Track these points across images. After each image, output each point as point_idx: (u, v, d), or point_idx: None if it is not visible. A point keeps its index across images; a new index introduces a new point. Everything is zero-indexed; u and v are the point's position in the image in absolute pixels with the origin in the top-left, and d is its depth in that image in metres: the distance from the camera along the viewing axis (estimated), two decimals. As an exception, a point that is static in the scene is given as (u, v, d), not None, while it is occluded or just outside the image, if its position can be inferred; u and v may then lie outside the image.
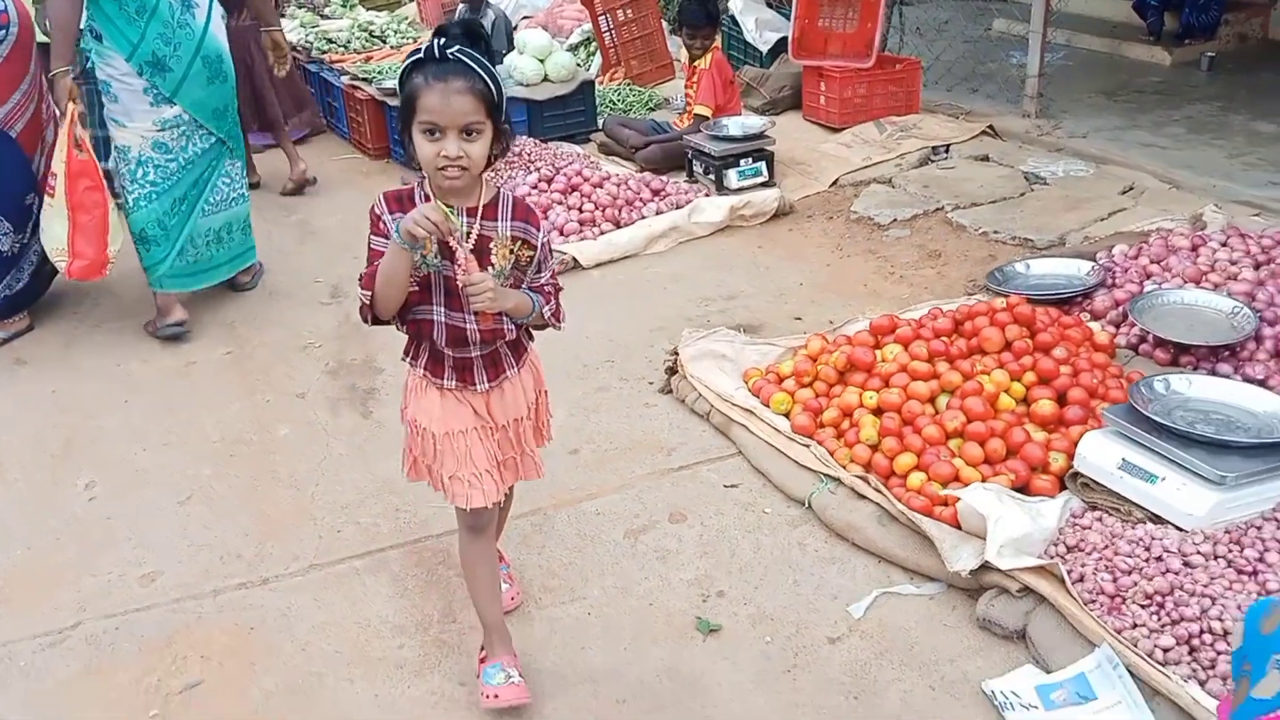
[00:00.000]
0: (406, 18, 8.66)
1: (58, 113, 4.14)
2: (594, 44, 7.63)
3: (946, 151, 5.51)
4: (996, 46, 7.70)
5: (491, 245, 2.09)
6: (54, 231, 4.06)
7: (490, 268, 2.07)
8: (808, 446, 3.11)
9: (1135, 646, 2.25)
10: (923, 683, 2.37)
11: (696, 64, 5.67)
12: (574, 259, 4.63)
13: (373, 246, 2.09)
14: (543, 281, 2.20)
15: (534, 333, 2.30)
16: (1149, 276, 3.77)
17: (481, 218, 2.07)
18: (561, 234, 4.78)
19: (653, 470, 3.19)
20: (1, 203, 4.19)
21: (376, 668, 2.51)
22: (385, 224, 2.05)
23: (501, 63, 6.62)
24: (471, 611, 2.53)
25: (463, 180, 2.00)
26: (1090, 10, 7.89)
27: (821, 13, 6.30)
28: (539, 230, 2.15)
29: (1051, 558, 2.52)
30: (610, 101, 6.86)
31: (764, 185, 5.24)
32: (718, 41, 5.80)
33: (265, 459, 3.39)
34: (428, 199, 2.05)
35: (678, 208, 5.01)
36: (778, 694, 2.36)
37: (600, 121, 6.37)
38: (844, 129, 5.92)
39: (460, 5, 7.58)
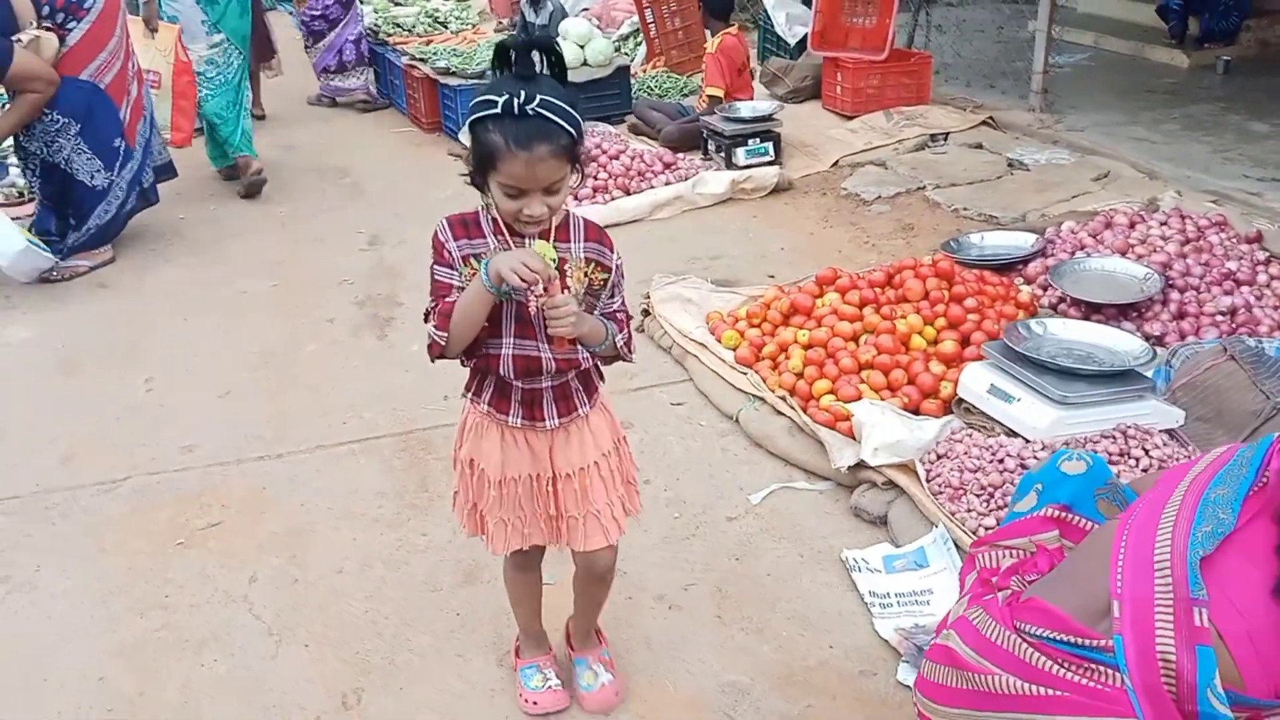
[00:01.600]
0: (473, 6, 9.32)
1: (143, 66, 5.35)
2: (640, 34, 8.19)
3: (946, 139, 5.92)
4: (1027, 47, 8.03)
5: (566, 268, 1.97)
6: (163, 112, 5.57)
7: (566, 291, 1.93)
8: (744, 374, 3.61)
9: (964, 526, 2.71)
10: (794, 551, 2.86)
11: (706, 47, 6.19)
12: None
13: (437, 277, 1.97)
14: (615, 308, 2.07)
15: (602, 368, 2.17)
16: (1082, 248, 4.17)
17: (555, 240, 1.95)
18: (575, 199, 5.33)
19: (612, 390, 3.70)
20: (95, 144, 4.90)
21: (359, 521, 3.08)
22: (450, 253, 1.95)
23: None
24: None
25: (541, 228, 1.93)
26: (1117, 14, 8.18)
27: (844, 9, 6.75)
28: (613, 252, 2.03)
29: (920, 462, 2.98)
30: (648, 87, 7.41)
31: (770, 163, 5.74)
32: (732, 29, 6.28)
33: (292, 368, 4.01)
34: (495, 224, 1.95)
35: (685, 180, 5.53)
36: (675, 554, 2.87)
37: (633, 104, 6.92)
38: (855, 117, 6.37)
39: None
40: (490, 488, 2.11)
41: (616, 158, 5.58)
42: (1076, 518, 2.02)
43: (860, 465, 3.02)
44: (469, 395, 2.13)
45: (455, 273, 1.95)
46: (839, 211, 5.20)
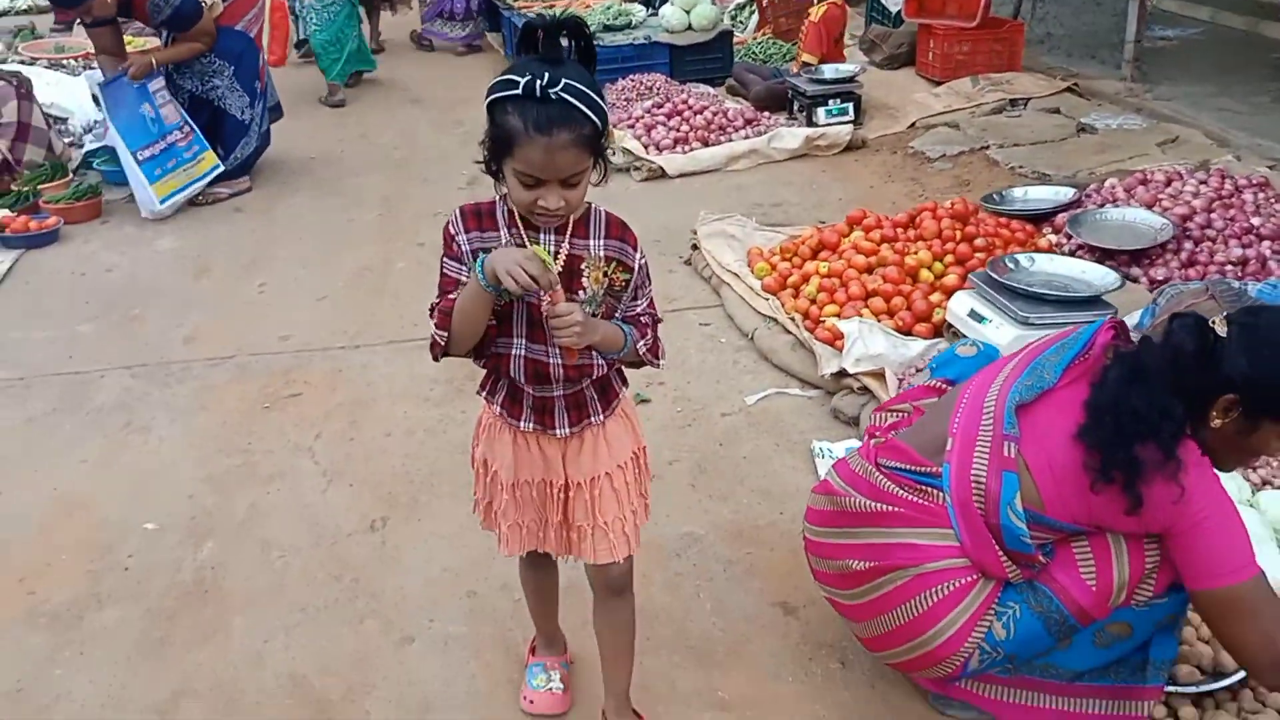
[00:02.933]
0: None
1: None
2: (754, 3, 8.53)
3: (1025, 104, 6.08)
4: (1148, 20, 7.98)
5: (583, 266, 1.85)
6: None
7: (581, 292, 1.84)
8: (767, 299, 3.99)
9: (917, 423, 3.04)
10: (770, 441, 3.25)
11: (809, 15, 6.49)
12: (661, 168, 5.61)
13: (445, 271, 1.87)
14: (639, 311, 1.94)
15: (625, 372, 2.06)
16: (1114, 201, 4.35)
17: (571, 235, 1.84)
18: (658, 149, 5.76)
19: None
20: (245, 84, 5.62)
21: (412, 399, 3.62)
22: (460, 246, 1.85)
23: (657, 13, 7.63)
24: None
25: (558, 222, 1.82)
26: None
27: (942, -25, 6.93)
28: (636, 250, 1.89)
29: (894, 373, 3.32)
30: (753, 53, 7.74)
31: (849, 123, 6.02)
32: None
33: (381, 280, 4.60)
34: (510, 216, 1.84)
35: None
36: (669, 438, 3.30)
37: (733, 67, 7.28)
38: (944, 82, 6.57)
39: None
40: (503, 490, 2.04)
41: (700, 112, 5.98)
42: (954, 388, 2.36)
43: (842, 374, 3.38)
44: (483, 394, 2.05)
45: (463, 267, 1.85)
46: (903, 168, 5.47)
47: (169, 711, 2.37)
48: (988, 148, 5.42)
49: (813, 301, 3.83)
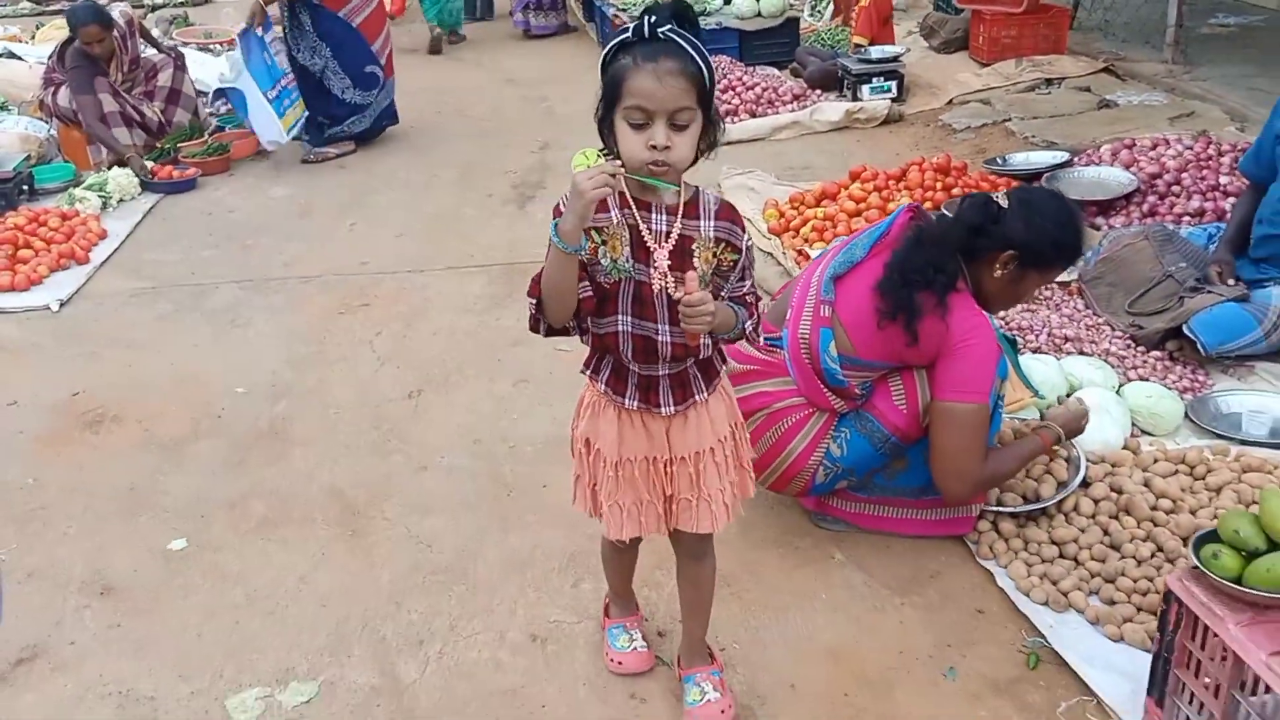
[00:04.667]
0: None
1: None
2: (830, -4, 9.05)
3: (1060, 84, 6.47)
4: (1209, 9, 8.19)
5: (694, 247, 1.91)
6: None
7: (692, 270, 1.87)
8: (769, 239, 4.58)
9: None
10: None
11: (860, 1, 7.02)
12: (710, 136, 6.22)
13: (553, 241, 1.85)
14: (744, 291, 2.00)
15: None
16: (1098, 162, 4.78)
17: (683, 217, 1.90)
18: (709, 119, 6.37)
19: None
20: (348, 67, 6.43)
21: (458, 310, 4.35)
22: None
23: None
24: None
25: (669, 177, 1.84)
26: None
27: (996, -34, 7.33)
28: (744, 232, 1.97)
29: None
30: (821, 38, 8.27)
31: (892, 100, 6.53)
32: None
33: (451, 222, 5.37)
34: (623, 197, 1.89)
35: (807, 109, 6.45)
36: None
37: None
38: (990, 64, 6.99)
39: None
40: (607, 468, 2.07)
41: (751, 88, 6.58)
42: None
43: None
44: (587, 372, 2.09)
45: (550, 247, 1.85)
46: (929, 139, 5.96)
47: (238, 504, 3.15)
48: (1009, 120, 5.87)
49: (806, 240, 4.41)
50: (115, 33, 6.27)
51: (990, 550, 2.67)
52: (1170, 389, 3.19)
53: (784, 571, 2.71)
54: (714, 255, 1.93)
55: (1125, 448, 2.92)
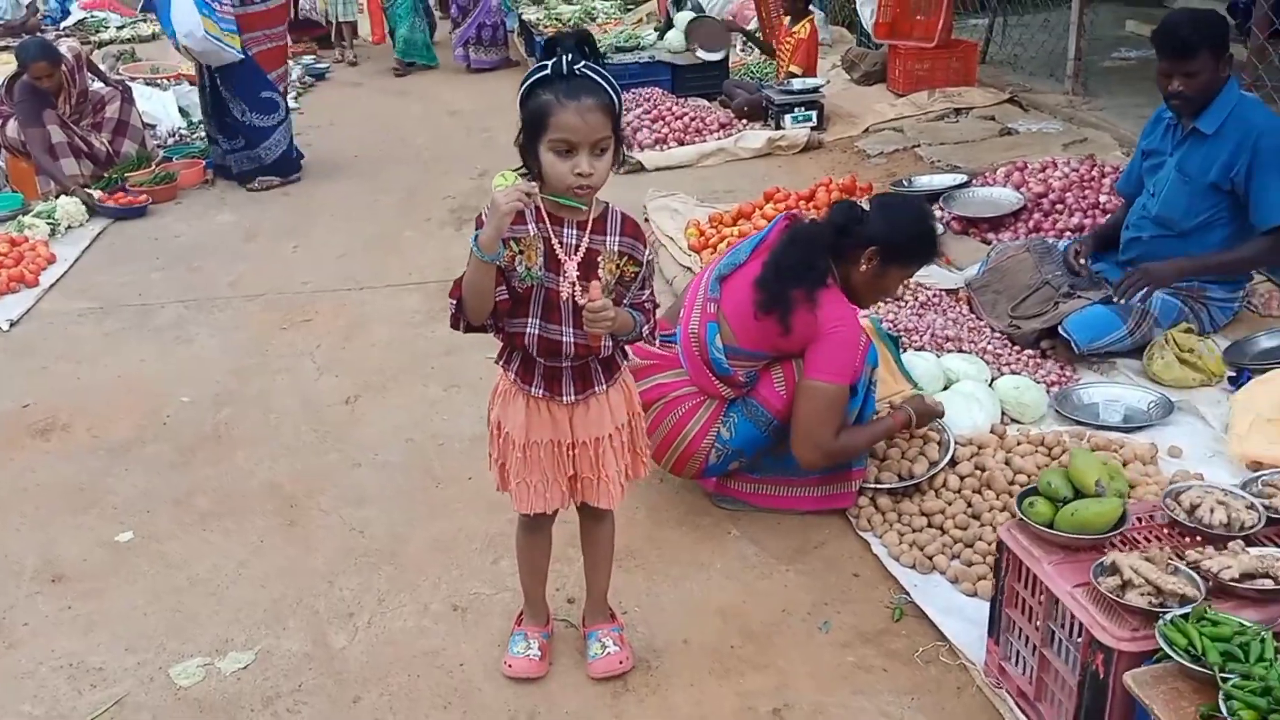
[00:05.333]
0: (642, 10, 10.88)
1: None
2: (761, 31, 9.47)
3: (967, 113, 6.89)
4: (1113, 44, 8.71)
5: (599, 259, 2.12)
6: (364, 25, 8.53)
7: (596, 281, 2.09)
8: (689, 255, 4.89)
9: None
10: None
11: (795, 32, 7.42)
12: (640, 162, 6.56)
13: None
14: (644, 298, 2.23)
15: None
16: (991, 183, 5.16)
17: (591, 232, 2.12)
18: (640, 147, 6.71)
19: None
20: (243, 95, 6.50)
21: (396, 324, 4.61)
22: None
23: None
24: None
25: (591, 195, 2.07)
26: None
27: (910, 5, 7.78)
28: (646, 248, 2.20)
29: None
30: (751, 71, 8.67)
31: (812, 128, 6.90)
32: (813, 15, 7.49)
33: (392, 244, 5.63)
34: (538, 213, 2.10)
35: (732, 138, 6.81)
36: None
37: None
38: (905, 95, 7.40)
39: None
40: (515, 450, 2.28)
41: (680, 117, 6.92)
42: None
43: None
44: (500, 363, 2.31)
45: (470, 256, 2.07)
46: (845, 163, 6.33)
47: (183, 500, 3.37)
48: (918, 146, 6.26)
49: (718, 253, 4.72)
50: (63, 67, 6.47)
51: (868, 522, 2.97)
52: (1039, 382, 3.53)
53: (684, 546, 2.98)
54: (617, 267, 2.16)
55: (992, 432, 3.24)
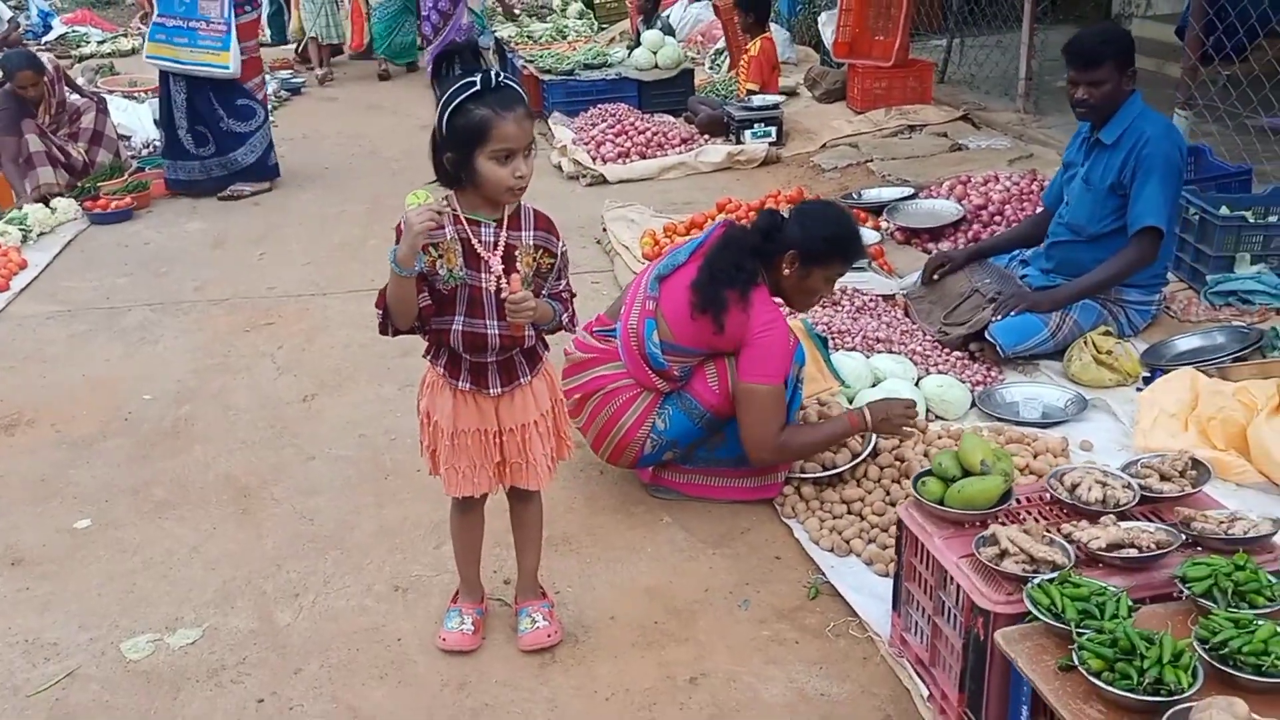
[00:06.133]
0: (617, 27, 11.11)
1: None
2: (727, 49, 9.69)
3: (920, 130, 7.10)
4: (1052, 66, 8.95)
5: (517, 254, 2.27)
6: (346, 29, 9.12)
7: (515, 274, 2.24)
8: (643, 262, 5.05)
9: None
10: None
11: (748, 50, 7.62)
12: (603, 175, 6.73)
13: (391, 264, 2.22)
14: (560, 288, 2.39)
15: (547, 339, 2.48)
16: (934, 196, 5.36)
17: (508, 228, 2.27)
18: (604, 160, 6.89)
19: (556, 272, 5.27)
20: (222, 102, 6.67)
21: (356, 327, 4.74)
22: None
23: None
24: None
25: (519, 197, 2.26)
26: (1152, 34, 8.96)
27: (869, 26, 8.02)
28: (559, 240, 2.34)
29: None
30: (716, 89, 8.87)
31: (771, 143, 7.10)
32: (769, 33, 7.71)
33: (356, 251, 5.79)
34: (455, 217, 2.25)
35: (693, 152, 7.00)
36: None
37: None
38: (863, 112, 7.62)
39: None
40: (444, 438, 2.42)
41: (643, 132, 7.11)
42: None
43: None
44: (428, 358, 2.45)
45: (390, 270, 2.22)
46: (800, 178, 6.53)
47: (140, 491, 3.50)
48: (870, 161, 6.46)
49: (672, 263, 4.89)
50: (45, 78, 6.62)
51: (792, 509, 3.13)
52: (964, 382, 3.71)
53: (618, 532, 3.14)
54: (534, 260, 2.32)
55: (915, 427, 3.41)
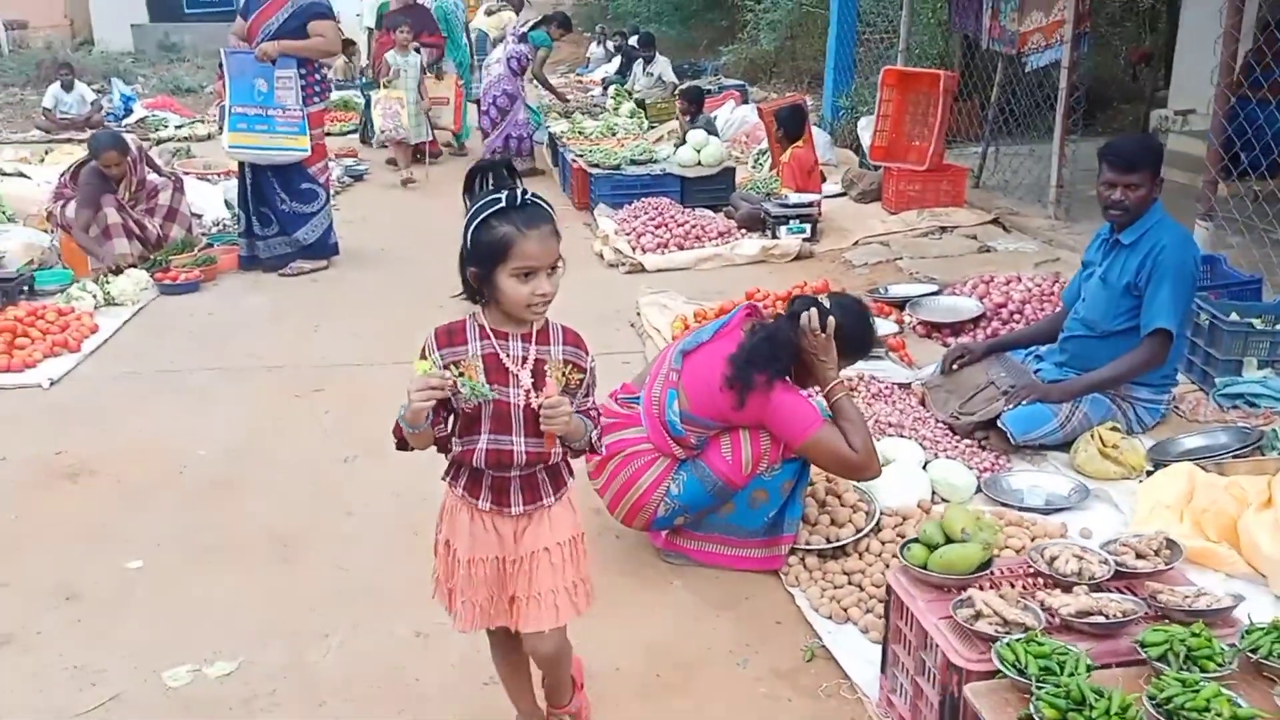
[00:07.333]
0: (655, 126, 11.59)
1: None
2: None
3: (951, 231, 7.35)
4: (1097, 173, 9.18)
5: (546, 368, 2.21)
6: (447, 117, 10.89)
7: (551, 381, 2.19)
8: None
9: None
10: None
11: (782, 159, 7.98)
12: (642, 264, 7.04)
13: None
14: (588, 405, 2.31)
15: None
16: (957, 293, 5.57)
17: (536, 343, 2.22)
18: (643, 250, 7.21)
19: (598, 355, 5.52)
20: (284, 185, 7.13)
21: (401, 396, 5.01)
22: (435, 363, 2.23)
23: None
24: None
25: (543, 314, 2.20)
26: (1189, 149, 9.19)
27: (906, 131, 8.36)
28: (588, 355, 2.29)
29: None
30: (757, 186, 9.23)
31: (806, 239, 7.39)
32: (800, 145, 8.07)
33: (404, 328, 6.06)
34: (481, 330, 2.22)
35: (730, 246, 7.30)
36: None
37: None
38: (897, 213, 7.90)
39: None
40: (460, 567, 2.33)
41: (682, 224, 7.44)
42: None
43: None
44: (447, 480, 2.38)
45: (398, 422, 2.23)
46: (831, 272, 6.78)
47: (189, 537, 3.75)
48: (900, 259, 6.70)
49: (701, 348, 5.14)
50: (129, 157, 7.13)
51: (796, 579, 3.30)
52: (972, 469, 3.87)
53: (629, 591, 3.32)
54: (563, 375, 2.25)
55: (919, 506, 3.57)
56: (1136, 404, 4.17)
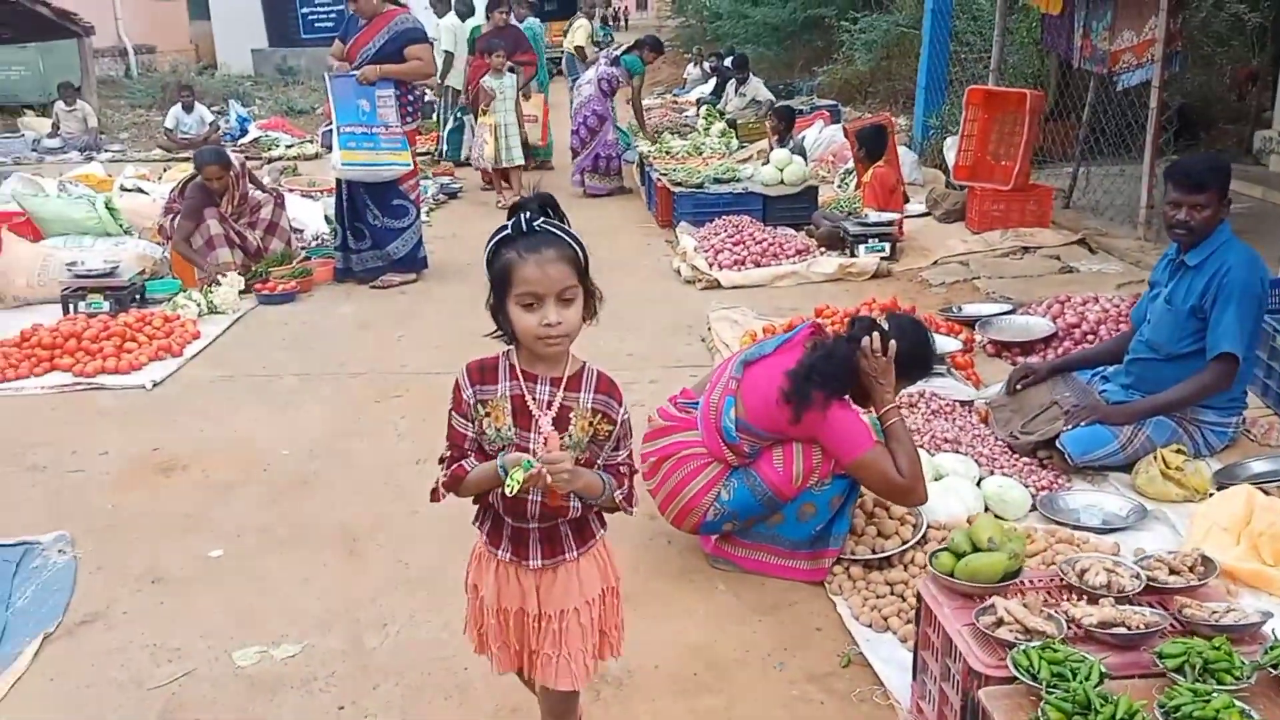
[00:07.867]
0: (746, 146, 11.69)
1: None
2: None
3: (1033, 251, 7.26)
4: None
5: (571, 416, 2.08)
6: (534, 133, 10.81)
7: (567, 437, 2.07)
8: (740, 361, 5.38)
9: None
10: (695, 439, 4.62)
11: (864, 178, 7.99)
12: (717, 280, 7.13)
13: (453, 424, 2.15)
14: (619, 460, 2.17)
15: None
16: (1030, 313, 5.52)
17: (565, 389, 2.09)
18: (720, 266, 7.30)
19: (665, 364, 5.63)
20: (376, 201, 7.43)
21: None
22: (466, 400, 2.14)
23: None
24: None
25: (562, 346, 2.05)
26: (1292, 171, 8.91)
27: (990, 151, 8.28)
28: (620, 405, 2.14)
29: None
30: (839, 205, 9.24)
31: (884, 258, 7.39)
32: (881, 164, 8.07)
33: (484, 339, 6.29)
34: (512, 369, 2.12)
35: (808, 264, 7.34)
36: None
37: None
38: (980, 233, 7.83)
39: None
40: (488, 615, 2.27)
41: (760, 242, 7.51)
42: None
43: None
44: (476, 525, 2.31)
45: (470, 423, 2.13)
46: (907, 290, 6.77)
47: (268, 529, 3.98)
48: (978, 279, 6.66)
49: (767, 362, 5.21)
50: (231, 172, 7.54)
51: (839, 587, 3.34)
52: (1027, 486, 3.85)
53: (674, 595, 3.41)
54: (590, 424, 2.11)
55: (968, 521, 3.58)
56: (1204, 427, 4.09)
